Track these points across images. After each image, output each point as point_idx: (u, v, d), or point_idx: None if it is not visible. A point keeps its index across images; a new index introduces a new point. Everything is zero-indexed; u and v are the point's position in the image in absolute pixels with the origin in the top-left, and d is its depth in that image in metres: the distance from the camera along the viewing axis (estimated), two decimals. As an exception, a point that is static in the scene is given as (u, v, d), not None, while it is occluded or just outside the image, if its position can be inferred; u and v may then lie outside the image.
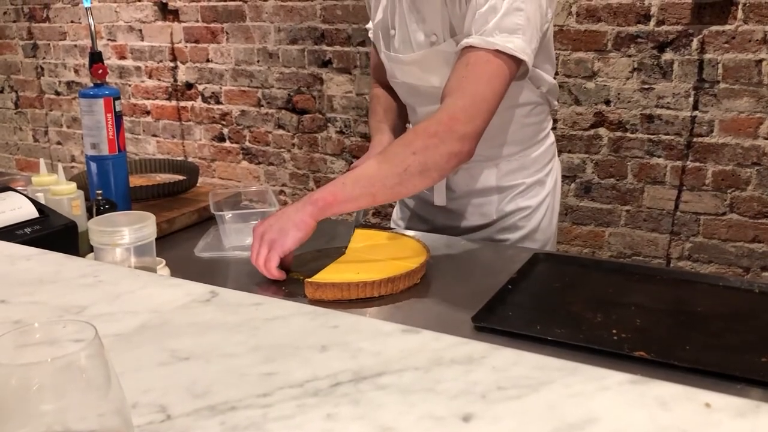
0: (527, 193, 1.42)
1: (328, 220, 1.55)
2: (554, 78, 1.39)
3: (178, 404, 0.53)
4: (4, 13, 3.86)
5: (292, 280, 1.13)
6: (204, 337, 0.65)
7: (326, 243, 1.28)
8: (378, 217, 3.04)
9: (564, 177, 2.60)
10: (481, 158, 1.38)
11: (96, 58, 1.33)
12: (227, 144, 3.37)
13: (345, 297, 1.06)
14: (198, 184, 1.69)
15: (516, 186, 1.40)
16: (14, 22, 3.85)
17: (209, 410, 0.52)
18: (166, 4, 3.34)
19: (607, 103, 2.49)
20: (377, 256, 1.20)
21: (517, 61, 1.16)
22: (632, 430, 0.49)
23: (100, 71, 1.32)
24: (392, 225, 1.61)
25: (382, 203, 1.27)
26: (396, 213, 1.61)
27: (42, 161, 1.36)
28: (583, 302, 1.04)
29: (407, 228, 1.51)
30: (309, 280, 1.08)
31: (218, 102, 3.33)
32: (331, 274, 1.11)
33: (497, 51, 1.13)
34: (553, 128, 2.69)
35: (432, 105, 1.25)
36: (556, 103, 1.46)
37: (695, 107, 2.37)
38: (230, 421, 0.51)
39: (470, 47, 1.16)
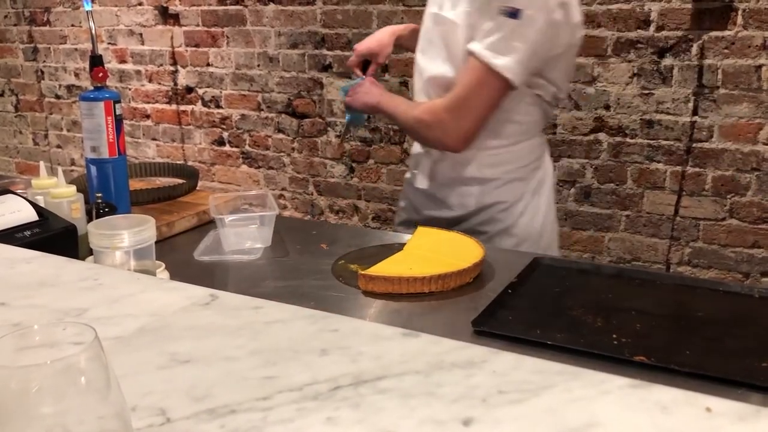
0: (506, 186, 1.46)
1: (332, 225, 1.55)
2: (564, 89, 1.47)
3: (178, 407, 0.53)
4: (5, 16, 3.87)
5: (349, 271, 1.18)
6: (204, 340, 0.65)
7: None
8: (378, 222, 3.04)
9: (564, 182, 2.60)
10: None
11: (96, 61, 1.33)
12: (227, 148, 3.37)
13: (396, 291, 1.09)
14: (198, 188, 1.69)
15: (496, 179, 1.46)
16: (15, 25, 3.86)
17: (209, 413, 0.52)
18: (166, 8, 3.34)
19: (607, 108, 2.49)
20: (434, 253, 1.22)
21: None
22: (633, 435, 0.49)
23: (101, 75, 1.32)
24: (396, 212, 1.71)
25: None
26: (399, 203, 1.70)
27: (42, 164, 1.36)
28: (583, 307, 1.04)
29: (407, 219, 1.61)
30: (362, 272, 1.10)
31: (218, 106, 3.33)
32: (384, 267, 1.14)
33: (490, 66, 1.29)
34: (553, 133, 2.67)
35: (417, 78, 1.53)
36: (555, 111, 1.49)
37: (695, 113, 2.37)
38: (230, 424, 0.51)
39: (472, 53, 1.32)
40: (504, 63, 1.27)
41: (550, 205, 1.53)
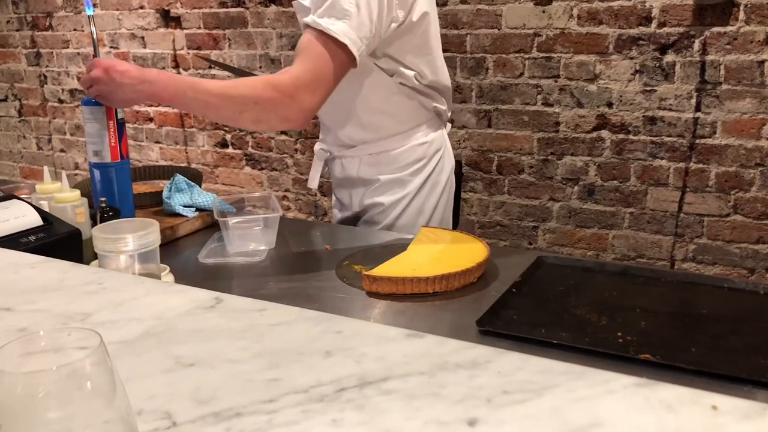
0: (384, 189, 1.48)
1: (335, 226, 1.55)
2: (451, 81, 1.49)
3: (183, 411, 0.53)
4: (8, 21, 3.88)
5: (353, 272, 1.18)
6: (208, 343, 0.65)
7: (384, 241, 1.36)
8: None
9: (567, 180, 2.60)
10: (341, 144, 1.48)
11: (99, 65, 1.33)
12: (230, 150, 3.37)
13: (399, 291, 1.09)
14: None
15: (375, 180, 1.48)
16: (17, 30, 3.87)
17: (214, 416, 0.52)
18: (168, 11, 3.35)
19: (610, 105, 2.49)
20: (437, 254, 1.22)
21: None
22: (638, 434, 0.49)
23: (103, 79, 1.32)
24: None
25: None
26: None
27: (46, 169, 1.36)
28: (588, 305, 1.04)
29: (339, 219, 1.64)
30: (366, 273, 1.10)
31: (221, 108, 3.33)
32: (388, 268, 1.14)
33: (325, 33, 1.22)
34: (555, 131, 2.65)
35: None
36: (441, 106, 1.48)
37: (698, 109, 2.36)
38: (235, 427, 0.51)
39: (309, 25, 1.25)
40: (339, 28, 1.21)
41: (440, 206, 1.52)
